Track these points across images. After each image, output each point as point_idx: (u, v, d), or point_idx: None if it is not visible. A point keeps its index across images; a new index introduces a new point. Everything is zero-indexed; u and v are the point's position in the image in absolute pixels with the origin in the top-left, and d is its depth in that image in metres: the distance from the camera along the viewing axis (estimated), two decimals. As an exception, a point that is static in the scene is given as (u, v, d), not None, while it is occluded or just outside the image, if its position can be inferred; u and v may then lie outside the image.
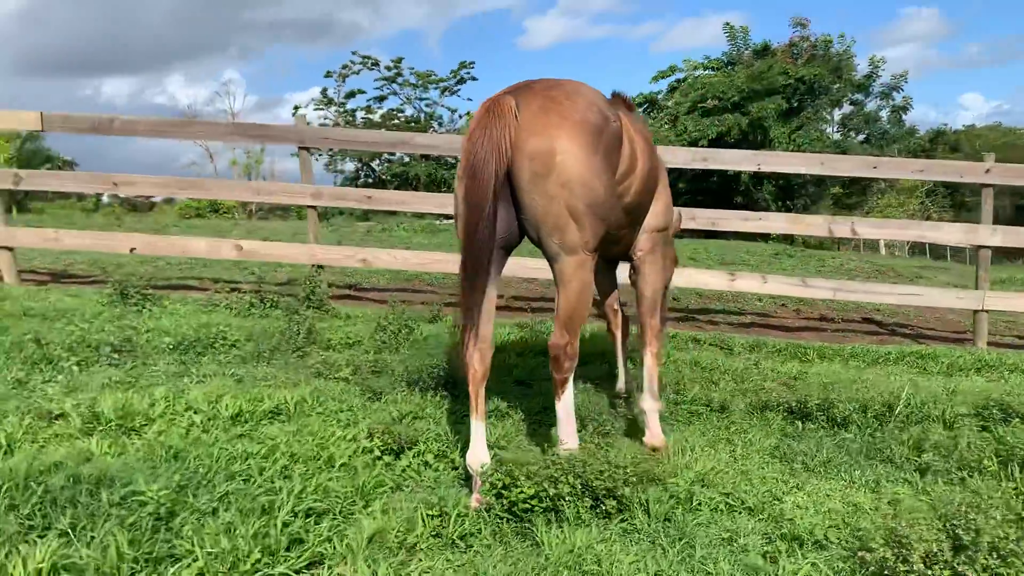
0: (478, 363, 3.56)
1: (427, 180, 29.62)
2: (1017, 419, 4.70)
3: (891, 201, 37.01)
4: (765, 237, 18.76)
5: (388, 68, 34.09)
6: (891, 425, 4.72)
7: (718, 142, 28.23)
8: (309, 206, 7.80)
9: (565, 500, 3.28)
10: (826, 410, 4.82)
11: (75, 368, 4.95)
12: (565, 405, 3.69)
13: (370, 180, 32.25)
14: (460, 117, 34.29)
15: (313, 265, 7.81)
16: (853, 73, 31.78)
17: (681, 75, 33.63)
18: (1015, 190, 26.88)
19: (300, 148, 7.50)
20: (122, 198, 27.03)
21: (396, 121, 34.15)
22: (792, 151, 27.55)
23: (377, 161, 32.59)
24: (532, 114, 3.45)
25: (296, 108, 32.12)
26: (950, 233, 7.87)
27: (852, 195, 34.33)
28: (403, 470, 3.78)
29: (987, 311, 7.45)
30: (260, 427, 4.09)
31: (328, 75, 33.91)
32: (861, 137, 33.31)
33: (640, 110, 32.91)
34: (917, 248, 32.65)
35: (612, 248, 4.62)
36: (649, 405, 4.40)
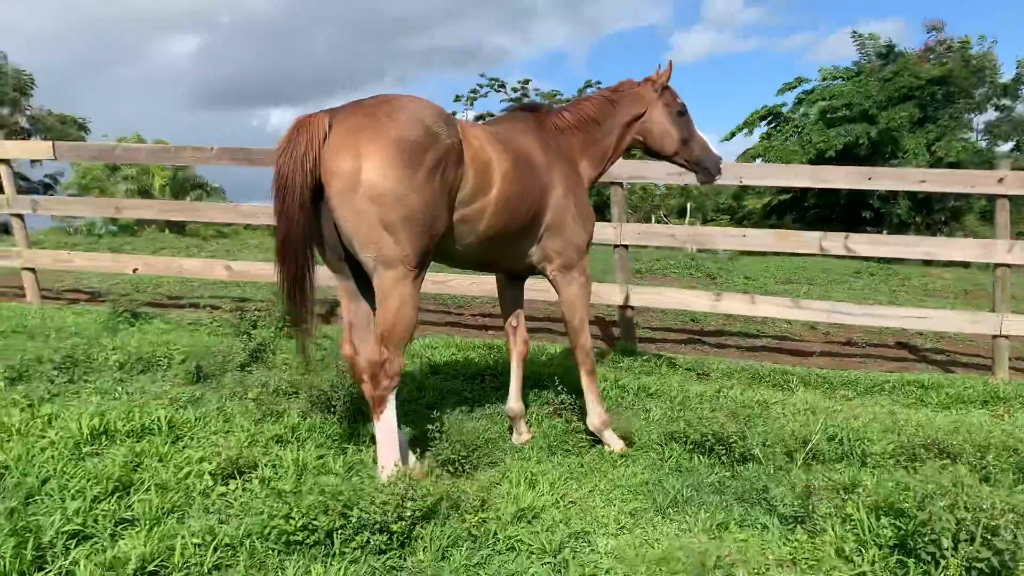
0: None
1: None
2: (948, 460, 4.17)
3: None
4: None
5: (514, 89, 34.35)
6: (799, 463, 4.28)
7: (845, 154, 26.94)
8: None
9: (337, 533, 3.16)
10: (728, 444, 4.43)
11: (0, 383, 5.18)
12: (385, 426, 3.61)
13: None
14: None
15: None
16: (998, 76, 29.40)
17: (808, 86, 32.34)
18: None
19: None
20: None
21: None
22: (930, 163, 25.95)
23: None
24: (342, 132, 3.49)
25: None
26: (964, 249, 7.12)
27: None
28: (222, 495, 3.72)
29: (1007, 336, 6.67)
30: (114, 447, 4.14)
31: (457, 99, 34.19)
32: (1010, 145, 30.77)
33: (763, 123, 31.68)
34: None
35: (494, 266, 4.51)
36: (596, 424, 4.53)
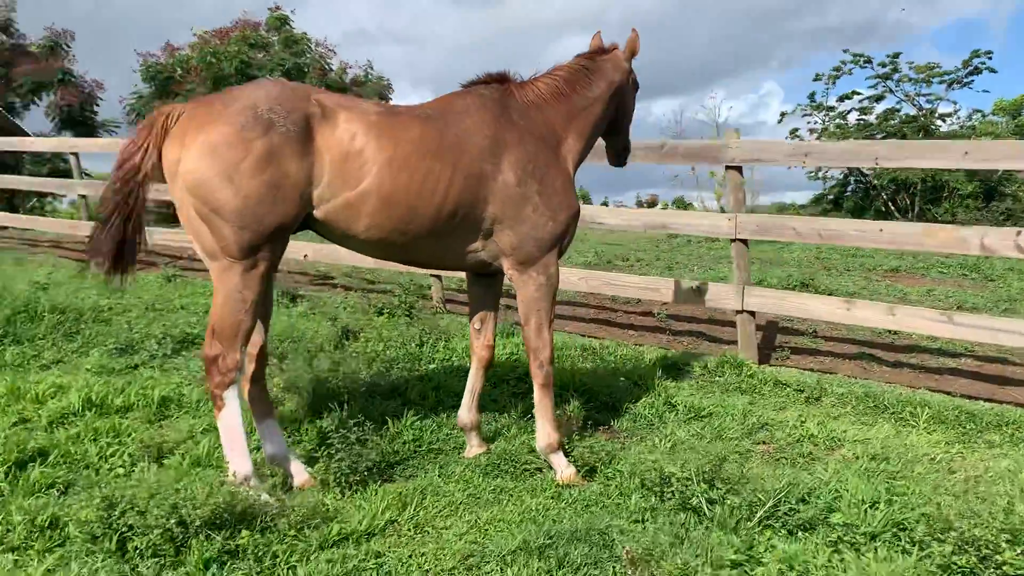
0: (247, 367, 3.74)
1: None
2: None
3: None
4: None
5: (882, 64, 31.21)
6: (753, 523, 3.37)
7: None
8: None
9: (134, 532, 3.11)
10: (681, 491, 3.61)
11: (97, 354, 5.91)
12: (226, 423, 3.53)
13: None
14: (972, 115, 29.27)
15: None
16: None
17: None
18: None
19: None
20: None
21: (893, 122, 30.62)
22: None
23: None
24: (180, 122, 3.52)
25: (782, 115, 30.39)
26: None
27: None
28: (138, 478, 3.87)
29: None
30: (81, 420, 4.48)
31: (817, 78, 31.54)
32: None
33: None
34: None
35: (434, 265, 4.18)
36: (542, 447, 4.06)
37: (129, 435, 4.31)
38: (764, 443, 4.60)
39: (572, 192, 4.10)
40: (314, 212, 3.59)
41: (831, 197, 27.83)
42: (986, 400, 5.65)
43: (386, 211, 3.62)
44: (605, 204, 28.74)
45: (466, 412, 4.28)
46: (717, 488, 3.56)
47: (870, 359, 6.82)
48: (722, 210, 23.24)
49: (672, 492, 3.59)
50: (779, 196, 37.12)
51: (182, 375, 5.49)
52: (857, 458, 4.27)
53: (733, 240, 6.14)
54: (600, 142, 4.60)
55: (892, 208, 24.32)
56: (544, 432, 4.03)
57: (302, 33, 29.54)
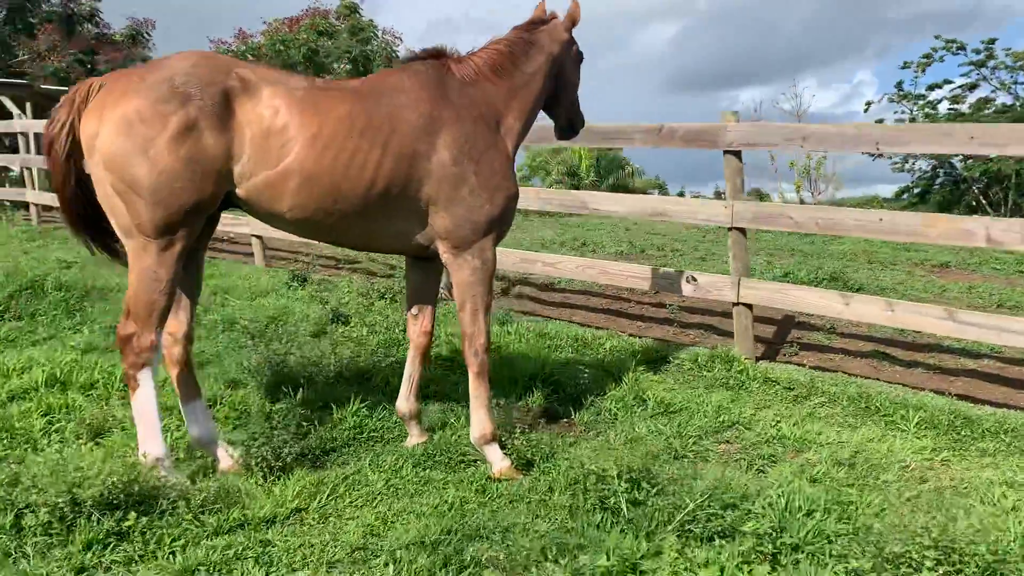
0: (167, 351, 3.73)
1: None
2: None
3: None
4: None
5: (976, 51, 29.67)
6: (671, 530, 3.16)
7: None
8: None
9: (30, 509, 3.10)
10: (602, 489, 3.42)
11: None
12: (139, 404, 3.50)
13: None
14: None
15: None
16: None
17: None
18: None
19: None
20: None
21: (987, 111, 29.04)
22: None
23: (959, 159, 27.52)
24: (98, 96, 3.46)
25: (867, 104, 29.22)
26: None
27: None
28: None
29: None
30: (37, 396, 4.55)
31: (905, 66, 29.99)
32: None
33: None
34: None
35: (371, 247, 4.08)
36: (476, 437, 3.91)
37: (81, 412, 4.34)
38: (728, 442, 4.35)
39: (511, 173, 3.93)
40: (236, 190, 3.51)
41: (917, 190, 26.48)
42: (1000, 405, 5.25)
43: (309, 190, 3.52)
44: (681, 194, 27.99)
45: (403, 401, 4.17)
46: (643, 489, 3.36)
47: (883, 358, 6.42)
48: (801, 202, 22.24)
49: (593, 491, 3.40)
50: (870, 188, 35.60)
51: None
52: (820, 463, 3.99)
53: (730, 228, 5.85)
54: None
55: (984, 203, 22.90)
56: (479, 423, 3.88)
57: (368, 21, 29.78)
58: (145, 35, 31.37)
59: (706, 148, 5.87)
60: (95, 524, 3.02)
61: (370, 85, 3.83)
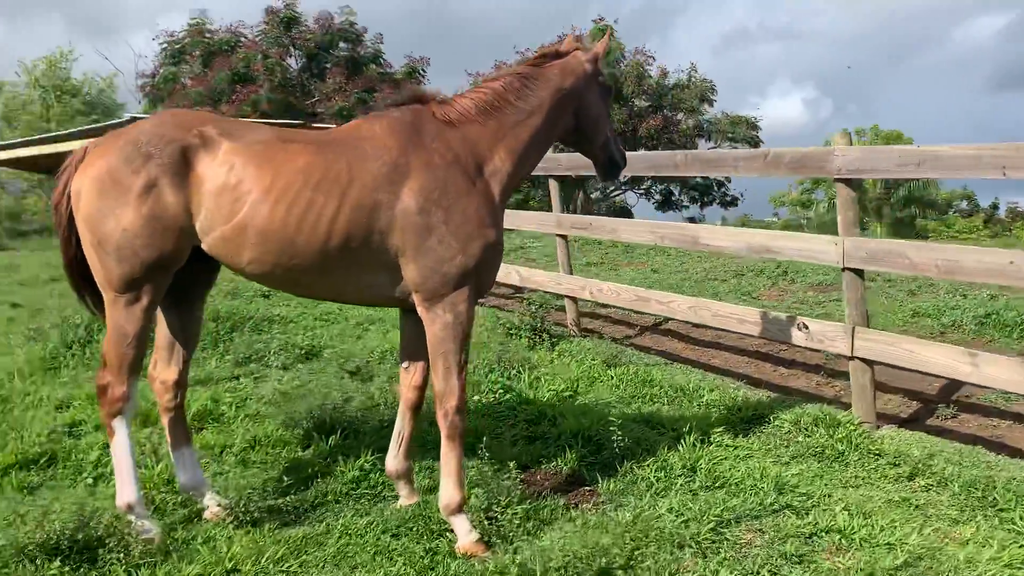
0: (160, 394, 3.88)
1: None
2: None
3: None
4: None
5: None
6: None
7: None
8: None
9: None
10: None
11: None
12: (116, 451, 3.63)
13: None
14: None
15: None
16: None
17: None
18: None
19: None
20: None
21: None
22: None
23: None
24: (85, 158, 3.65)
25: None
26: None
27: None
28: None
29: None
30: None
31: None
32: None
33: None
34: None
35: (346, 300, 3.93)
36: (443, 505, 3.65)
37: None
38: (761, 531, 3.61)
39: (490, 220, 3.61)
40: (202, 244, 3.55)
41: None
42: None
43: (264, 245, 3.46)
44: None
45: (392, 460, 3.96)
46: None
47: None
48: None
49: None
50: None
51: (251, 386, 5.76)
52: (851, 572, 3.21)
53: (844, 269, 4.98)
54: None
55: None
56: (446, 491, 3.58)
57: (618, 43, 30.23)
58: (420, 71, 34.00)
59: (813, 174, 5.07)
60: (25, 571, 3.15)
61: (336, 135, 3.75)
